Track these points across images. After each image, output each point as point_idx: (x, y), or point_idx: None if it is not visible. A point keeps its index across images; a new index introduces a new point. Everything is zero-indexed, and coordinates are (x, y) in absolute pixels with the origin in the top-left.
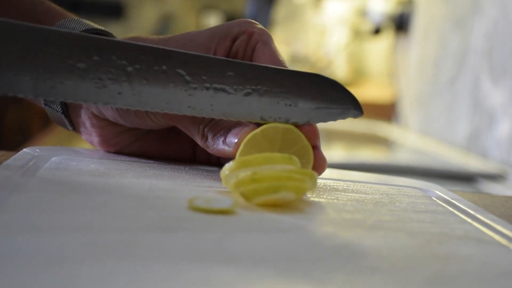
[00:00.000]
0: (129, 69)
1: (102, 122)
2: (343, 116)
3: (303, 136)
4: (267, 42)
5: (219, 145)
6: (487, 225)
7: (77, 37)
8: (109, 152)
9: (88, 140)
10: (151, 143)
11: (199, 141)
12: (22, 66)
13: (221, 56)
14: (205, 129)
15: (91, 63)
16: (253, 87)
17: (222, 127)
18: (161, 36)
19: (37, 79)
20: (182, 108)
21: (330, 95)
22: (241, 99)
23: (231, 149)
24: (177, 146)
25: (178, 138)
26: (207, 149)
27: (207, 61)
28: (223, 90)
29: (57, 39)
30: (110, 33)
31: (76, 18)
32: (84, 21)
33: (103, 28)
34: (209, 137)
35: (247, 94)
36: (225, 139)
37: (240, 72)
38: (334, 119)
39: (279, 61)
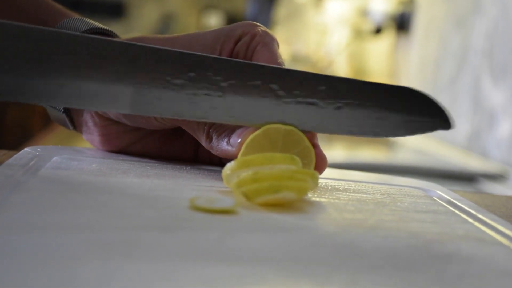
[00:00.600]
0: (223, 84)
1: (105, 121)
2: (432, 129)
3: (304, 138)
4: (268, 44)
5: (223, 146)
6: (488, 225)
7: (173, 54)
8: (110, 152)
9: (89, 140)
10: (153, 143)
11: (203, 142)
12: (121, 82)
13: (226, 57)
14: (210, 130)
15: (187, 79)
16: (344, 101)
17: (226, 128)
18: (167, 36)
19: (135, 95)
20: (271, 121)
21: (420, 108)
22: (332, 113)
23: (234, 149)
24: (179, 146)
25: (180, 138)
26: (211, 150)
27: (298, 75)
28: (315, 104)
29: (154, 55)
30: (114, 33)
31: (79, 17)
32: (88, 20)
33: (106, 28)
34: (214, 138)
35: (338, 108)
36: (229, 139)
37: (331, 86)
38: (424, 132)
39: (277, 63)
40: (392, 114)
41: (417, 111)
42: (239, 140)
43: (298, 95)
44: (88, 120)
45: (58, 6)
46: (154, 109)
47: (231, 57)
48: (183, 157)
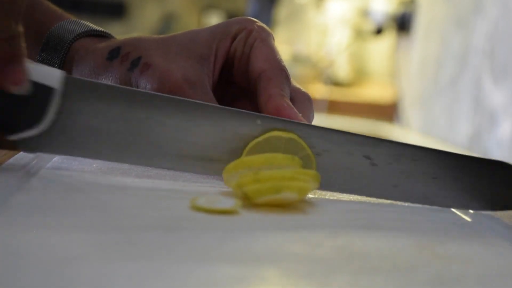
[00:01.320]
0: (316, 150)
1: None
2: None
3: (306, 146)
4: (265, 39)
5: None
6: (489, 226)
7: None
8: None
9: None
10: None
11: None
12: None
13: (222, 55)
14: None
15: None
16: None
17: None
18: (161, 36)
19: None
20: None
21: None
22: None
23: None
24: None
25: None
26: None
27: (392, 147)
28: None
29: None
30: (109, 34)
31: (75, 19)
32: (83, 22)
33: (102, 29)
34: None
35: (434, 178)
36: None
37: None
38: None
39: (276, 59)
40: (483, 187)
41: (506, 185)
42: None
43: (391, 164)
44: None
45: (54, 7)
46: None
47: (228, 54)
48: None
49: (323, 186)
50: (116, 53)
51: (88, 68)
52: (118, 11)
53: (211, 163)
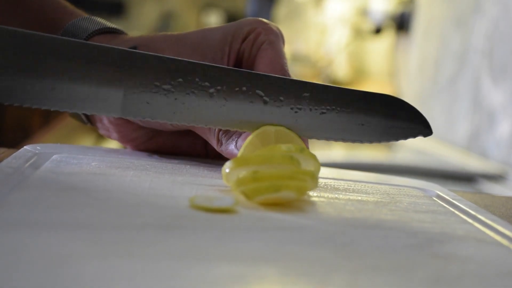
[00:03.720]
0: (211, 90)
1: (119, 120)
2: (413, 135)
3: (296, 136)
4: (272, 42)
5: (231, 148)
6: (488, 225)
7: (162, 60)
8: (125, 147)
9: (106, 135)
10: (166, 140)
11: (214, 145)
12: (111, 87)
13: (234, 57)
14: (220, 133)
15: (175, 84)
16: (328, 107)
17: (234, 132)
18: (175, 34)
19: (125, 100)
20: (259, 126)
21: (401, 115)
22: (316, 119)
23: (239, 151)
24: (190, 142)
25: (191, 135)
26: (221, 153)
27: (283, 82)
28: (301, 109)
29: (143, 61)
30: (123, 31)
31: (87, 16)
32: (97, 19)
33: (115, 26)
34: (223, 141)
35: (322, 113)
36: (236, 143)
37: (315, 94)
38: (405, 138)
39: (279, 63)
40: (374, 120)
41: (398, 117)
42: (243, 143)
43: (282, 101)
44: (103, 117)
45: (65, 3)
46: (144, 113)
47: (238, 55)
48: (194, 152)
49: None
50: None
51: None
52: (117, 10)
53: (105, 102)
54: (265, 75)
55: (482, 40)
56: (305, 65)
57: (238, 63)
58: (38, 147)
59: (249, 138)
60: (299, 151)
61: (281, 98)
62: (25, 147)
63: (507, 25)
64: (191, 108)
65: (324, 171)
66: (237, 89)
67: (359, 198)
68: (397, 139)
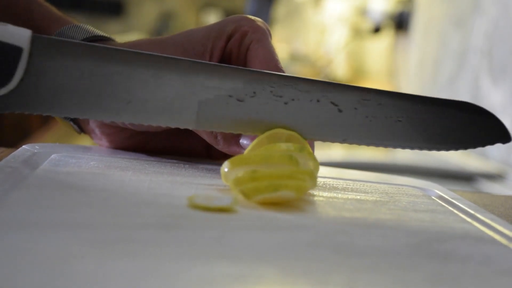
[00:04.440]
0: (286, 100)
1: (111, 129)
2: (492, 142)
3: (306, 143)
4: (261, 40)
5: (233, 147)
6: (487, 224)
7: (236, 71)
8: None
9: (99, 144)
10: (165, 142)
11: (212, 143)
12: (185, 100)
13: (217, 54)
14: (217, 134)
15: (250, 95)
16: (403, 115)
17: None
18: (159, 38)
19: (199, 112)
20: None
21: (479, 121)
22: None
23: (244, 150)
24: (190, 143)
25: (191, 135)
26: (223, 150)
27: (357, 92)
28: (376, 117)
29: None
30: (112, 38)
31: (76, 24)
32: (83, 27)
33: (102, 34)
34: (221, 141)
35: (398, 121)
36: (238, 141)
37: (389, 101)
38: (483, 145)
39: (272, 61)
40: (451, 127)
41: (476, 125)
42: (249, 143)
43: (357, 109)
44: (95, 128)
45: (53, 10)
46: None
47: (223, 55)
48: (195, 153)
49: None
50: None
51: None
52: (116, 10)
53: (179, 114)
54: (335, 84)
55: (481, 40)
56: (305, 64)
57: (226, 63)
58: (36, 147)
59: (259, 138)
60: (298, 150)
61: (356, 107)
62: (23, 146)
63: (506, 24)
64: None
65: (323, 171)
66: (311, 100)
67: (358, 197)
68: (475, 146)
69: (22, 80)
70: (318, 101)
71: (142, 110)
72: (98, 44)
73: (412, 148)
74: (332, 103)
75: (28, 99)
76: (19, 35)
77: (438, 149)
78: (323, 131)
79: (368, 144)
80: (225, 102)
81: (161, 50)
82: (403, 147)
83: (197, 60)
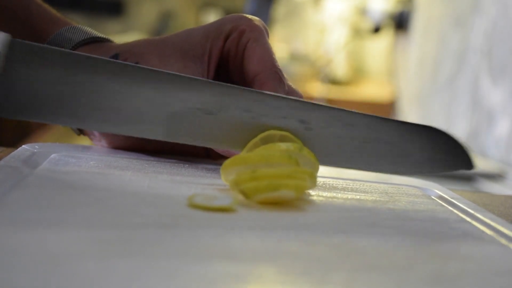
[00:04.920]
0: (252, 114)
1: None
2: (454, 168)
3: (299, 142)
4: (258, 39)
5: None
6: (487, 224)
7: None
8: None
9: (98, 145)
10: (163, 142)
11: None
12: (155, 111)
13: (216, 54)
14: None
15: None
16: (367, 136)
17: None
18: (157, 38)
19: (169, 124)
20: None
21: (442, 147)
22: (355, 148)
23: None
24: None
25: None
26: (220, 152)
27: (327, 112)
28: (338, 137)
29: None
30: (110, 40)
31: (74, 25)
32: (81, 28)
33: (100, 35)
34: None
35: (362, 143)
36: None
37: (356, 122)
38: (446, 171)
39: (269, 60)
40: (415, 151)
41: (439, 150)
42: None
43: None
44: (94, 131)
45: (51, 11)
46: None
47: (222, 54)
48: (194, 153)
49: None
50: (114, 59)
51: None
52: (115, 9)
53: (151, 126)
54: (303, 102)
55: (481, 40)
56: (304, 64)
57: (224, 62)
58: (36, 146)
59: (253, 140)
60: (298, 150)
61: (324, 126)
62: (23, 146)
63: (506, 24)
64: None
65: (322, 170)
66: (276, 115)
67: (358, 197)
68: (438, 171)
69: None
70: (284, 117)
71: (111, 119)
72: (73, 52)
73: (374, 171)
74: (301, 121)
75: (3, 102)
76: None
77: (400, 173)
78: None
79: (332, 164)
80: (195, 115)
81: (159, 52)
82: (362, 169)
83: (169, 72)
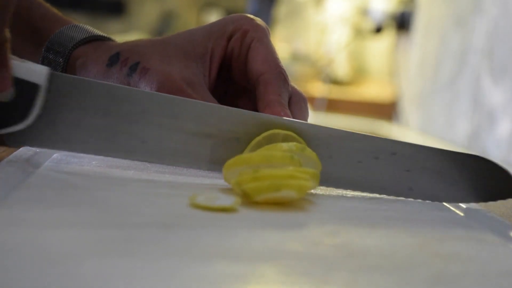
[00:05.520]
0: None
1: None
2: (502, 197)
3: (303, 142)
4: (262, 39)
5: None
6: (488, 224)
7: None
8: None
9: None
10: None
11: None
12: (199, 142)
13: (219, 54)
14: None
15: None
16: (415, 165)
17: None
18: (159, 38)
19: (213, 154)
20: None
21: (489, 175)
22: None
23: None
24: None
25: None
26: None
27: (374, 142)
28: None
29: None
30: (111, 38)
31: (75, 24)
32: (83, 27)
33: (101, 34)
34: None
35: (407, 171)
36: None
37: (402, 151)
38: (494, 200)
39: (273, 61)
40: (461, 181)
41: (486, 179)
42: None
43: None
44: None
45: (53, 11)
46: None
47: (225, 54)
48: None
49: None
50: (115, 59)
51: (90, 76)
52: (117, 9)
53: (195, 157)
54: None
55: (482, 40)
56: (305, 64)
57: (228, 62)
58: None
59: (257, 139)
60: (300, 150)
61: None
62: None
63: (507, 24)
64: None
65: None
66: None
67: (360, 197)
68: (482, 200)
69: (39, 116)
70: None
71: (156, 150)
72: (113, 84)
73: (417, 198)
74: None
75: (44, 135)
76: (37, 72)
77: (444, 201)
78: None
79: (378, 192)
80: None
81: (161, 52)
82: (407, 197)
83: (212, 104)
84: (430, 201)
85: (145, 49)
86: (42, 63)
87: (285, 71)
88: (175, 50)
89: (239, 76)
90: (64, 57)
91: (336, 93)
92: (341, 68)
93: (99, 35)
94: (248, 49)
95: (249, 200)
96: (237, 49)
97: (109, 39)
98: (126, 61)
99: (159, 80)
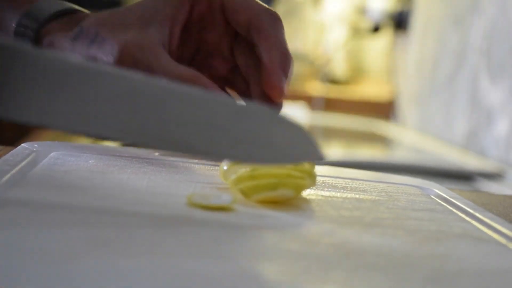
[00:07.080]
0: None
1: None
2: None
3: None
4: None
5: None
6: (486, 223)
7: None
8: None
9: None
10: None
11: None
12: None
13: (182, 20)
14: None
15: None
16: None
17: None
18: (119, 9)
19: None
20: None
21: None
22: None
23: None
24: None
25: None
26: None
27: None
28: None
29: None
30: (81, 10)
31: None
32: (59, 1)
33: (75, 7)
34: None
35: None
36: None
37: None
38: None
39: (256, 4)
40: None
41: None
42: None
43: None
44: None
45: None
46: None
47: (191, 18)
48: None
49: None
50: (79, 32)
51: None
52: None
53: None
54: None
55: (480, 39)
56: (303, 63)
57: (194, 26)
58: (35, 145)
59: None
60: None
61: None
62: (22, 144)
63: (505, 24)
64: None
65: (321, 169)
66: None
67: (357, 196)
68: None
69: None
70: None
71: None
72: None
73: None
74: None
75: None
76: None
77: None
78: None
79: None
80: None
81: (120, 21)
82: None
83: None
84: (425, 199)
85: (104, 21)
86: (17, 28)
87: (270, 9)
88: (134, 18)
89: (217, 37)
90: (34, 31)
91: (334, 92)
92: (339, 67)
93: (72, 8)
94: (221, 5)
95: (246, 199)
96: (205, 9)
97: (81, 11)
98: (88, 33)
99: (113, 49)
